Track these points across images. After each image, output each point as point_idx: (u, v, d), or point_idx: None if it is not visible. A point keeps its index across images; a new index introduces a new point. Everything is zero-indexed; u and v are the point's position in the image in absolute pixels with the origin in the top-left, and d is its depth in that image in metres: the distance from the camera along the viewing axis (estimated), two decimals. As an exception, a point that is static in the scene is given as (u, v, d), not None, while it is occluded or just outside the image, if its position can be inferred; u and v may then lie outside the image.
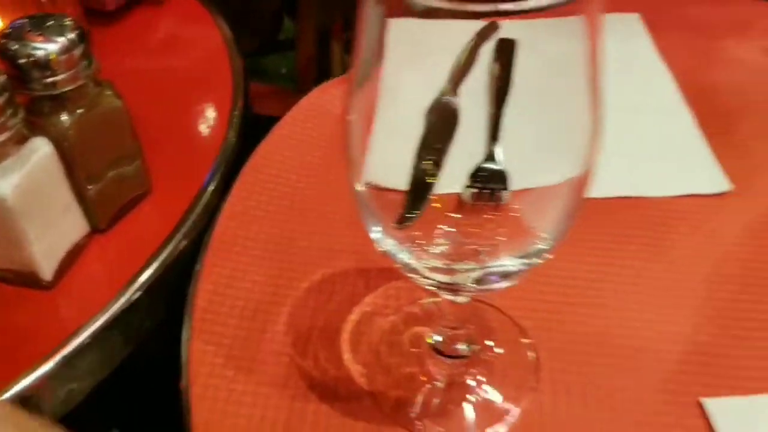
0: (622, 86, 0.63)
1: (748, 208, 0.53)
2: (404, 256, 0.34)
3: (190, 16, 0.74)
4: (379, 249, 0.35)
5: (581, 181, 0.35)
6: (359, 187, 0.34)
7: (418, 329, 0.46)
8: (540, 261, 0.36)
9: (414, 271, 0.34)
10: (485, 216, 0.42)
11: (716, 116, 0.61)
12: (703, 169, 0.56)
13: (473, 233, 0.40)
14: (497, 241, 0.40)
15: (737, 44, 0.70)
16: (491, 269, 0.34)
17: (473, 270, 0.34)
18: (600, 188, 0.54)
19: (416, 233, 0.38)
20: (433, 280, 0.34)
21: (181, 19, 0.73)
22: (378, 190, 0.35)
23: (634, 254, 0.51)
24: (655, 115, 0.61)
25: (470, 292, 0.36)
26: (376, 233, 0.34)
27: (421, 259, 0.34)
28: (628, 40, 0.69)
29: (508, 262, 0.36)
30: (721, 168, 0.56)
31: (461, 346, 0.42)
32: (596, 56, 0.31)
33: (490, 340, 0.45)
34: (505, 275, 0.35)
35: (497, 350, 0.45)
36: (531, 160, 0.40)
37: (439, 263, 0.34)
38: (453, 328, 0.43)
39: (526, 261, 0.36)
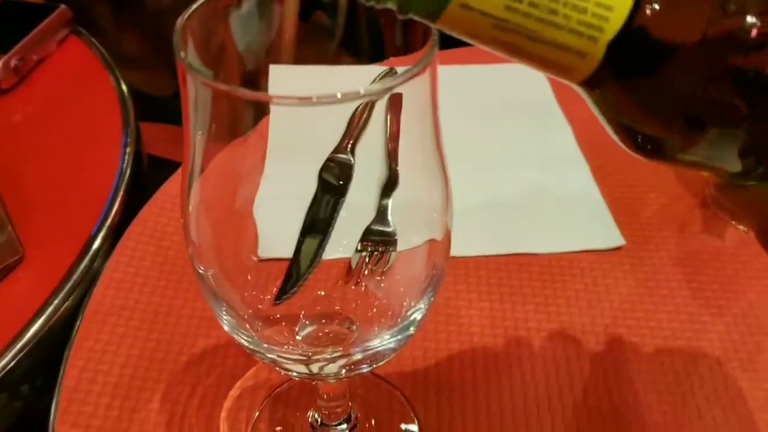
0: (521, 136, 0.63)
1: (641, 264, 0.53)
2: (257, 347, 0.32)
3: (86, 74, 0.71)
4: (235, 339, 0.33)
5: (441, 243, 0.33)
6: (202, 271, 0.32)
7: (300, 405, 0.44)
8: (412, 332, 0.34)
9: (272, 362, 0.32)
10: (365, 285, 0.41)
11: (612, 168, 0.61)
12: (598, 224, 0.56)
13: (349, 308, 0.39)
14: (372, 314, 0.39)
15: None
16: (355, 356, 0.33)
17: (336, 359, 0.33)
18: (493, 245, 0.53)
19: (279, 317, 0.36)
20: (294, 372, 0.33)
21: (75, 81, 0.71)
22: (228, 273, 0.33)
23: (528, 314, 0.50)
24: (553, 166, 0.60)
25: (336, 379, 0.34)
26: (228, 324, 0.32)
27: (278, 352, 0.32)
28: (529, 90, 0.69)
29: (380, 340, 0.34)
30: (616, 222, 0.56)
31: (337, 427, 0.40)
32: (437, 121, 0.30)
33: (372, 412, 0.43)
34: (374, 358, 0.34)
35: (379, 423, 0.43)
36: (409, 220, 0.39)
37: (297, 354, 0.32)
38: (332, 404, 0.41)
39: (399, 337, 0.34)
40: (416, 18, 0.26)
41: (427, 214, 0.33)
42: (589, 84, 0.25)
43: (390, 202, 0.44)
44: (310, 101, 0.25)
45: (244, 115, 0.29)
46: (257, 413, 0.43)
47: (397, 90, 0.27)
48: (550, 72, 0.25)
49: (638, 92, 0.25)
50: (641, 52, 0.24)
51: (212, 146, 0.30)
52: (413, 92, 0.27)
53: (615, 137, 0.27)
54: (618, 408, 0.44)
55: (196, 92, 0.28)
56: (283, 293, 0.39)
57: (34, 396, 0.49)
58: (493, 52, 0.26)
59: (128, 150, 0.61)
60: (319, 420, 0.41)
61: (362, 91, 0.26)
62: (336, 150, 0.45)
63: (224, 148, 0.31)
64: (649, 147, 0.26)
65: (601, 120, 0.27)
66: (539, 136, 0.63)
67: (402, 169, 0.35)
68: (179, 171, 0.59)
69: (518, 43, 0.24)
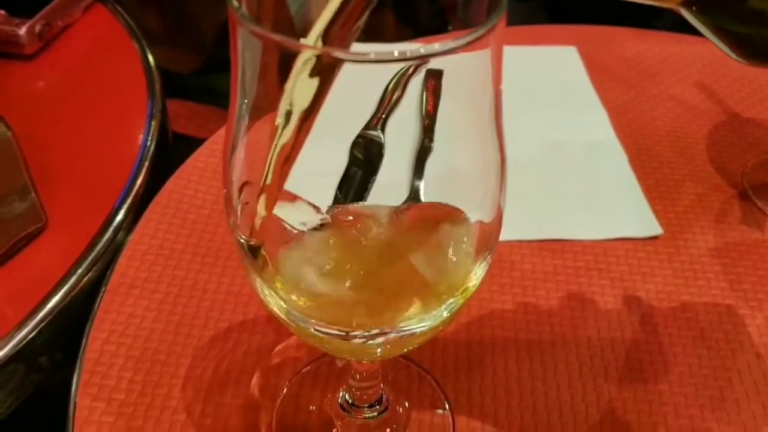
0: (556, 120, 0.61)
1: (678, 254, 0.52)
2: (296, 318, 0.31)
3: (111, 43, 0.70)
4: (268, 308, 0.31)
5: (491, 225, 0.32)
6: (243, 240, 0.30)
7: (328, 385, 0.43)
8: (445, 317, 0.33)
9: (309, 336, 0.31)
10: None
11: (649, 155, 0.60)
12: (635, 212, 0.54)
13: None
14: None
15: (672, 80, 0.69)
16: (392, 335, 0.31)
17: (374, 336, 0.31)
18: (527, 230, 0.52)
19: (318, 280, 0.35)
20: (330, 346, 0.31)
21: (100, 50, 0.69)
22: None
23: (562, 301, 0.48)
24: (589, 152, 0.59)
25: (374, 357, 0.33)
26: (263, 293, 0.31)
27: (317, 324, 0.31)
28: (564, 72, 0.67)
29: (417, 320, 0.33)
30: (653, 211, 0.54)
31: (368, 409, 0.39)
32: (498, 93, 0.28)
33: (403, 395, 0.42)
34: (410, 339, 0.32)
35: (410, 406, 0.42)
36: (456, 199, 0.38)
37: (335, 329, 0.31)
38: (364, 385, 0.40)
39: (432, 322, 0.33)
40: None
41: (478, 193, 0.32)
42: (686, 4, 0.25)
43: (423, 182, 0.43)
44: (367, 56, 0.24)
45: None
46: (284, 391, 0.42)
47: (458, 54, 0.25)
48: (648, 2, 0.25)
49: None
50: None
51: (257, 112, 0.29)
52: (475, 58, 0.26)
53: (722, 46, 0.27)
54: (653, 400, 0.43)
55: (245, 49, 0.26)
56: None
57: (52, 369, 0.48)
58: None
59: (154, 122, 0.60)
60: (350, 400, 0.40)
61: (423, 50, 0.24)
62: (366, 126, 0.44)
63: (265, 118, 0.30)
64: (753, 48, 0.26)
65: (706, 33, 0.27)
66: (574, 121, 0.62)
67: (449, 143, 0.34)
68: (208, 143, 0.58)
69: None
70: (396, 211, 0.35)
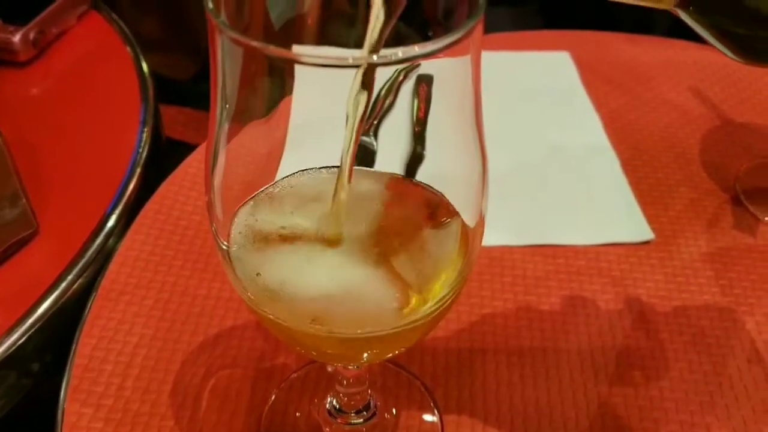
0: (549, 126, 0.61)
1: (670, 259, 0.51)
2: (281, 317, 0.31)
3: (105, 50, 0.70)
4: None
5: (474, 230, 0.32)
6: (225, 247, 0.30)
7: (317, 391, 0.42)
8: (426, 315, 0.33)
9: (294, 341, 0.31)
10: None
11: (642, 160, 0.59)
12: (627, 217, 0.54)
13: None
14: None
15: (666, 86, 0.69)
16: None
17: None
18: (519, 235, 0.52)
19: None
20: (317, 351, 0.31)
21: (94, 57, 0.70)
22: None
23: (553, 306, 0.48)
24: (581, 157, 0.59)
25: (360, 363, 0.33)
26: (248, 297, 0.31)
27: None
28: (557, 78, 0.67)
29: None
30: (645, 216, 0.54)
31: (355, 415, 0.39)
32: (478, 97, 0.28)
33: (392, 401, 0.42)
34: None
35: (398, 413, 0.42)
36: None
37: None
38: (351, 391, 0.39)
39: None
40: None
41: (461, 198, 0.32)
42: (682, 5, 0.26)
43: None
44: (347, 61, 0.24)
45: (272, 84, 0.28)
46: (273, 397, 0.42)
47: (437, 56, 0.25)
48: (642, 3, 0.26)
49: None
50: None
51: (239, 120, 0.29)
52: (454, 62, 0.26)
53: (719, 46, 0.28)
54: (643, 405, 0.43)
55: (225, 56, 0.26)
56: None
57: (43, 374, 0.48)
58: None
59: (146, 128, 0.60)
60: (337, 406, 0.39)
61: (401, 53, 0.24)
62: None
63: (250, 124, 0.30)
64: (750, 47, 0.26)
65: (703, 33, 0.28)
66: (567, 126, 0.62)
67: (434, 149, 0.34)
68: (199, 149, 0.58)
69: None
70: (380, 200, 0.35)
